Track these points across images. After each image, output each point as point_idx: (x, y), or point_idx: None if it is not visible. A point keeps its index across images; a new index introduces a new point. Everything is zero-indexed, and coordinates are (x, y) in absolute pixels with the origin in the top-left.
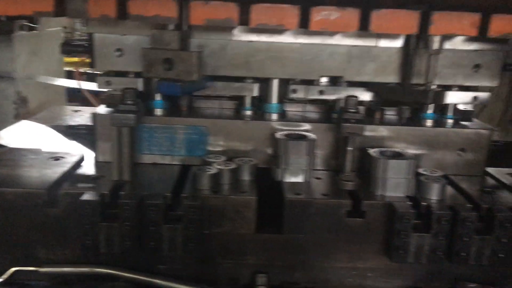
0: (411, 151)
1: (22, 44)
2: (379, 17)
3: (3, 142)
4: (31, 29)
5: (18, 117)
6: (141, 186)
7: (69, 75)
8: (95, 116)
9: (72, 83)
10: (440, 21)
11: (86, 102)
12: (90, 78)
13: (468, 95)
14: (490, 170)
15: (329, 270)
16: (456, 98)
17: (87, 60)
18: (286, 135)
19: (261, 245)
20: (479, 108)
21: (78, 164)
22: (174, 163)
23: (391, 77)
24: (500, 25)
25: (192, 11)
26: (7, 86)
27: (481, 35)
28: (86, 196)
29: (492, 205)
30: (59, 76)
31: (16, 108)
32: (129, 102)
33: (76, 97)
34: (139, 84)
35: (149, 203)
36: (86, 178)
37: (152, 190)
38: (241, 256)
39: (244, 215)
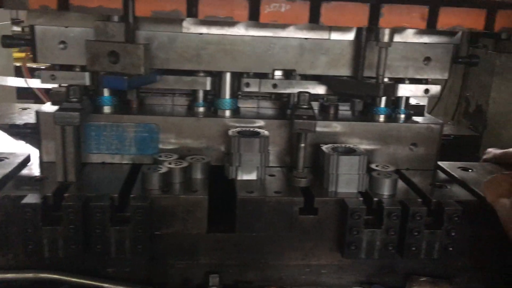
0: (364, 146)
1: None
2: (329, 10)
3: None
4: None
5: None
6: (87, 187)
7: (19, 71)
8: (38, 114)
9: (19, 81)
10: (390, 13)
11: (38, 99)
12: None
13: (419, 88)
14: (442, 164)
15: (282, 268)
16: (408, 91)
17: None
18: (239, 132)
19: (213, 245)
20: (434, 102)
21: (23, 165)
22: (124, 162)
23: (344, 70)
24: (448, 17)
25: (138, 2)
26: None
27: (430, 28)
28: (28, 199)
29: (442, 199)
30: (8, 72)
31: None
32: (73, 99)
33: (28, 94)
34: (86, 79)
35: (95, 205)
36: (29, 179)
37: (99, 191)
38: (193, 256)
39: (195, 215)
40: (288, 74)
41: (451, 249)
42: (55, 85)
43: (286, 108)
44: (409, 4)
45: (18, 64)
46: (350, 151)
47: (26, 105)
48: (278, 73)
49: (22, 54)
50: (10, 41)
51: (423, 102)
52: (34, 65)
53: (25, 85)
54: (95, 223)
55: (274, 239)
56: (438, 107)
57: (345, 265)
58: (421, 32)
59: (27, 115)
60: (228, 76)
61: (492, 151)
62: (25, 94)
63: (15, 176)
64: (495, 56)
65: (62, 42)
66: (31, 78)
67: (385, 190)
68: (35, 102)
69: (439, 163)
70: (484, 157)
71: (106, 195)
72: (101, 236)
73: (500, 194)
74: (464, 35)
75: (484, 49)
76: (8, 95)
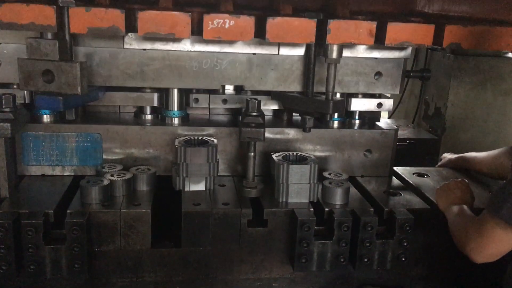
0: (318, 153)
1: None
2: (275, 26)
3: None
4: None
5: None
6: (22, 203)
7: None
8: None
9: None
10: (337, 30)
11: None
12: None
13: (372, 102)
14: (397, 169)
15: (232, 283)
16: (361, 105)
17: None
18: (186, 142)
19: (158, 261)
20: (394, 106)
21: None
22: (65, 174)
23: (294, 86)
24: (396, 33)
25: (73, 18)
26: None
27: (378, 44)
28: None
29: (394, 208)
30: None
31: None
32: (6, 109)
33: None
34: (24, 97)
35: (26, 223)
36: None
37: (34, 207)
38: (137, 273)
39: (138, 230)
40: (239, 89)
41: (403, 259)
42: None
43: (238, 114)
44: (356, 20)
45: None
46: (302, 159)
47: None
48: (229, 87)
49: None
50: None
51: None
52: None
53: None
54: (27, 242)
55: (222, 253)
56: (399, 110)
57: (297, 278)
58: (371, 47)
59: None
60: (175, 92)
61: (447, 156)
62: None
63: None
64: (453, 59)
65: None
66: None
67: (337, 199)
68: None
69: (395, 168)
70: (440, 162)
71: (41, 211)
72: (34, 255)
73: (451, 201)
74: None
75: (441, 52)
76: None
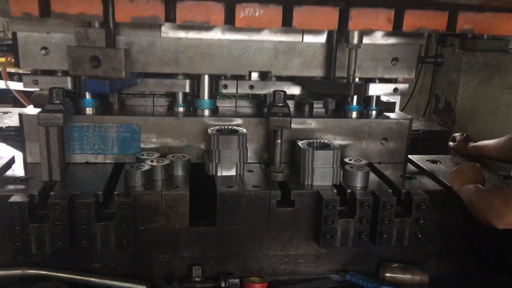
0: (338, 141)
1: None
2: (301, 14)
3: None
4: None
5: None
6: (72, 186)
7: None
8: (22, 116)
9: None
10: (358, 17)
11: (18, 103)
12: (21, 78)
13: (389, 87)
14: (412, 157)
15: (262, 259)
16: (378, 90)
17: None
18: (218, 131)
19: (195, 238)
20: (406, 100)
21: (7, 166)
22: (107, 161)
23: (316, 71)
24: (413, 20)
25: (118, 8)
26: None
27: (396, 30)
28: (14, 198)
29: (410, 190)
30: None
31: None
32: (56, 101)
33: (7, 99)
34: (68, 83)
35: (80, 202)
36: (15, 180)
37: (84, 190)
38: (176, 250)
39: (178, 210)
40: (264, 75)
41: (420, 236)
42: (36, 89)
43: (263, 106)
44: (376, 8)
45: None
46: (325, 146)
47: (6, 109)
48: (254, 75)
49: (1, 59)
50: None
51: (394, 99)
52: (13, 70)
53: (4, 88)
54: (80, 220)
55: (253, 231)
56: (410, 105)
57: (321, 254)
58: (388, 34)
59: (8, 118)
60: (206, 79)
61: (457, 136)
62: (3, 98)
63: (0, 177)
64: (462, 54)
65: (44, 48)
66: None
67: (358, 182)
68: (14, 106)
69: (410, 156)
70: (452, 144)
71: (91, 192)
72: (86, 232)
73: (464, 182)
74: (433, 35)
75: (451, 48)
76: None
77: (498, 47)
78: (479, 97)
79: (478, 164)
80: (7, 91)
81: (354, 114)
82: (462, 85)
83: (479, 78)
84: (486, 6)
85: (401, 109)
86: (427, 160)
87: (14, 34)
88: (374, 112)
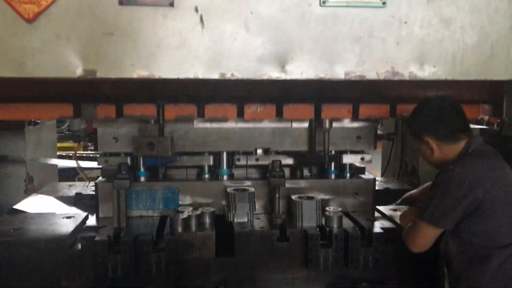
0: (322, 196)
1: (30, 135)
2: (289, 109)
3: (26, 210)
4: (35, 123)
5: (26, 192)
6: (134, 230)
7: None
8: (97, 184)
9: (70, 163)
10: (327, 110)
11: (70, 179)
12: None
13: (357, 157)
14: (379, 207)
15: (268, 280)
16: (349, 159)
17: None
18: (234, 190)
19: (220, 266)
20: (384, 167)
21: (85, 220)
22: (155, 215)
23: (303, 147)
24: (366, 110)
25: (166, 110)
26: (19, 168)
27: (355, 118)
28: (99, 237)
29: (372, 228)
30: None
31: (25, 185)
32: (123, 172)
33: (68, 175)
34: (128, 161)
35: (141, 239)
36: (93, 228)
37: (142, 232)
38: (206, 274)
39: (207, 245)
40: (266, 151)
41: (377, 261)
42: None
43: (265, 172)
44: (339, 104)
45: (59, 153)
46: (310, 198)
47: (70, 183)
48: (259, 151)
49: (64, 145)
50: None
51: (363, 165)
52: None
53: (72, 166)
54: (142, 253)
55: (261, 260)
56: (389, 169)
57: (311, 277)
58: (352, 119)
59: (74, 189)
60: (225, 155)
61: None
62: (63, 177)
63: (82, 227)
64: None
65: (115, 137)
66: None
67: (334, 223)
68: (69, 180)
69: (377, 207)
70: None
71: (148, 233)
72: (146, 261)
73: (409, 221)
74: None
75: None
76: (53, 176)
77: None
78: None
79: (413, 208)
80: (70, 168)
81: (332, 176)
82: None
83: None
84: (416, 98)
85: (382, 173)
86: (389, 209)
87: (95, 129)
88: (348, 175)
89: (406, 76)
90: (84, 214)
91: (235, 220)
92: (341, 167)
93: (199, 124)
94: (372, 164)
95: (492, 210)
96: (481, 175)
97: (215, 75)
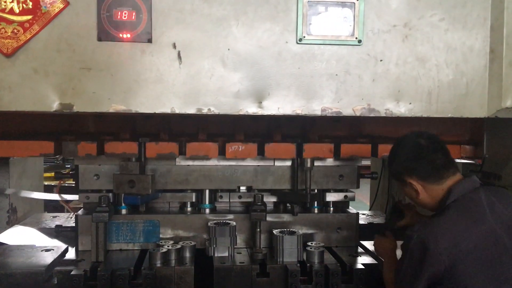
0: (305, 231)
1: (14, 168)
2: (270, 148)
3: (6, 242)
4: None
5: (9, 223)
6: (112, 264)
7: (47, 188)
8: (77, 217)
9: (52, 196)
10: (309, 149)
11: (56, 210)
12: (63, 190)
13: (341, 195)
14: (363, 242)
15: None
16: (332, 197)
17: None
18: (215, 223)
19: None
20: (372, 200)
21: (64, 253)
22: (135, 248)
23: (285, 185)
24: (347, 150)
25: (148, 148)
26: (2, 199)
27: (336, 157)
28: (75, 272)
29: (353, 264)
30: (39, 190)
31: (8, 216)
32: (103, 205)
33: (53, 207)
34: (110, 197)
35: (119, 274)
36: (72, 261)
37: (120, 266)
38: None
39: (186, 280)
40: (249, 188)
41: None
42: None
43: (248, 206)
44: (321, 143)
45: (46, 183)
46: (292, 233)
47: (54, 214)
48: (242, 188)
49: (51, 174)
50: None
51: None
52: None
53: (54, 198)
54: (119, 286)
55: None
56: (376, 203)
57: None
58: (334, 158)
59: (58, 220)
60: (207, 192)
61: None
62: (51, 207)
63: (61, 260)
64: None
65: (96, 175)
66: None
67: (316, 259)
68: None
69: (361, 241)
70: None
71: (125, 268)
72: None
73: (382, 248)
74: None
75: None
76: (39, 207)
77: None
78: None
79: (389, 233)
80: (53, 201)
81: (316, 210)
82: None
83: None
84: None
85: (370, 207)
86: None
87: (76, 166)
88: (331, 209)
89: (382, 113)
90: (64, 246)
91: (216, 255)
92: (324, 204)
93: (181, 162)
94: (362, 192)
95: (462, 282)
96: (450, 241)
97: (191, 110)
